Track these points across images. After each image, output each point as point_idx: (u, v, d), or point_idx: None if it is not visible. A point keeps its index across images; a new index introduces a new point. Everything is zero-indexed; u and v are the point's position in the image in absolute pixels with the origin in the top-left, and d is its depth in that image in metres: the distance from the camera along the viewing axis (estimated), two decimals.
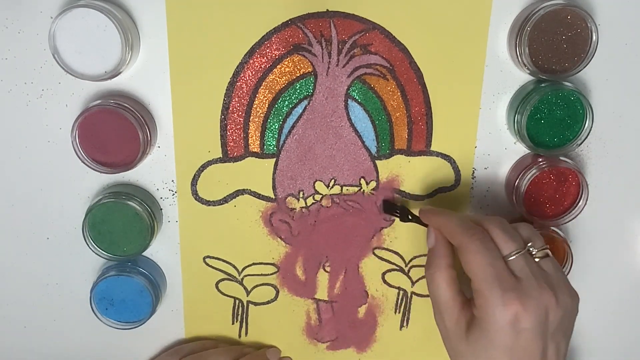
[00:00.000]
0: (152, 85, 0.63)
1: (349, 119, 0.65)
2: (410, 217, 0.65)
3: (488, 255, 0.56)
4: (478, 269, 0.56)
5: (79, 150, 0.61)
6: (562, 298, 0.56)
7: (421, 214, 0.64)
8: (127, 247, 0.65)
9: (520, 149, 0.66)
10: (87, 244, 0.64)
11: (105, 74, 0.59)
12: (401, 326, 0.72)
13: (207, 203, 0.67)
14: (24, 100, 0.63)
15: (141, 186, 0.66)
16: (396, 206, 0.67)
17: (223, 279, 0.69)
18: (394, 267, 0.70)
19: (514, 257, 0.56)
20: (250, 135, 0.65)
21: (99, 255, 0.65)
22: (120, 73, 0.60)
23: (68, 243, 0.67)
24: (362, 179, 0.67)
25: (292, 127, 0.65)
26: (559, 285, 0.57)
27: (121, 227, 0.64)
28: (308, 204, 0.67)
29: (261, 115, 0.64)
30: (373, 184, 0.67)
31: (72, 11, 0.58)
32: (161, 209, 0.67)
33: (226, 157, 0.65)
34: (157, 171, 0.66)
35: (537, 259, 0.57)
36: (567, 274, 0.66)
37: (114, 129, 0.61)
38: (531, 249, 0.57)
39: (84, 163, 0.62)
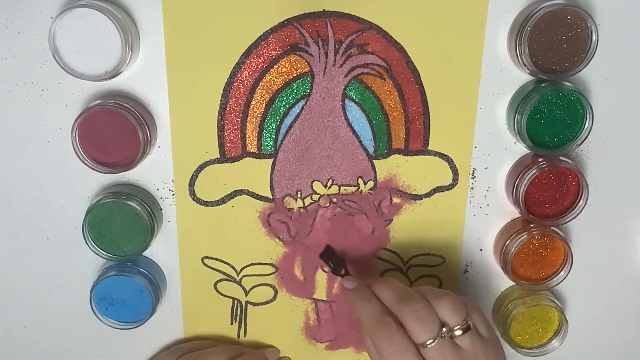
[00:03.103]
0: (152, 85, 0.63)
1: (347, 119, 0.65)
2: (342, 272, 0.66)
3: (396, 350, 0.56)
4: None
5: (79, 150, 0.61)
6: None
7: (347, 282, 0.64)
8: (127, 247, 0.65)
9: (520, 149, 0.66)
10: (87, 244, 0.64)
11: (105, 74, 0.59)
12: None
13: (205, 204, 0.66)
14: (24, 100, 0.63)
15: (141, 186, 0.66)
16: (335, 256, 0.67)
17: (221, 280, 0.69)
18: (392, 266, 0.70)
19: (429, 345, 0.56)
20: (247, 136, 0.65)
21: (99, 255, 0.65)
22: (120, 73, 0.60)
23: (68, 243, 0.67)
24: (359, 179, 0.66)
25: (290, 127, 0.64)
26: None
27: (121, 227, 0.64)
28: (306, 204, 0.67)
29: (258, 115, 0.64)
30: (371, 184, 0.67)
31: (72, 11, 0.58)
32: (161, 209, 0.67)
33: (224, 158, 0.65)
34: (157, 171, 0.66)
35: (457, 335, 0.57)
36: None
37: (114, 129, 0.61)
38: (444, 334, 0.57)
39: (84, 163, 0.62)
